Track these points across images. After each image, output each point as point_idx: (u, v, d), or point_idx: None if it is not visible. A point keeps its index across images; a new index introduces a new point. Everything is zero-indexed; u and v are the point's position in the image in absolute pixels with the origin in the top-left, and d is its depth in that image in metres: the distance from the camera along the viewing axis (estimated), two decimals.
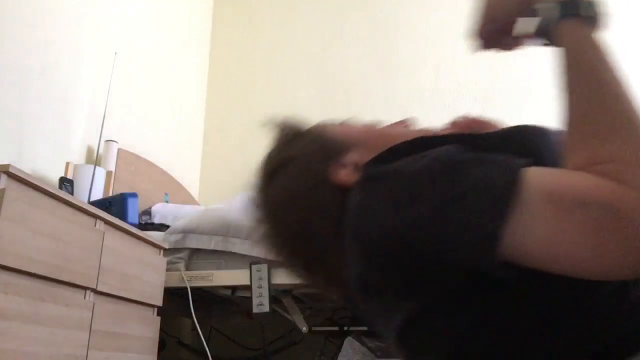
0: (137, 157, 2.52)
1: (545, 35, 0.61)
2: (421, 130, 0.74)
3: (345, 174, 0.65)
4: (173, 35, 3.16)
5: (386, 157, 0.60)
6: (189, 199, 2.97)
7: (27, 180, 1.22)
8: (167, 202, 2.59)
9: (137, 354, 1.63)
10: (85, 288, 1.40)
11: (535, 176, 0.50)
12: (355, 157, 0.66)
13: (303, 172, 0.68)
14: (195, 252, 2.04)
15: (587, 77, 0.54)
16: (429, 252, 0.52)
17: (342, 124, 0.75)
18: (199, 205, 2.88)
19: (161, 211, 2.30)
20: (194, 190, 3.23)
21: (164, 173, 2.76)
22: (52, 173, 1.99)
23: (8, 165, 1.16)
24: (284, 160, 0.71)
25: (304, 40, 3.53)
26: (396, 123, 0.77)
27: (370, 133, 0.72)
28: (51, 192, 1.30)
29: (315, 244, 0.66)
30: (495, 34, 0.69)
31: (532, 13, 0.61)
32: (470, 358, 0.56)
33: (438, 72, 3.25)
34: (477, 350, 0.55)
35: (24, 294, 1.18)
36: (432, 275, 0.54)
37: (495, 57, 3.18)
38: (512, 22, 0.67)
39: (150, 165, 2.64)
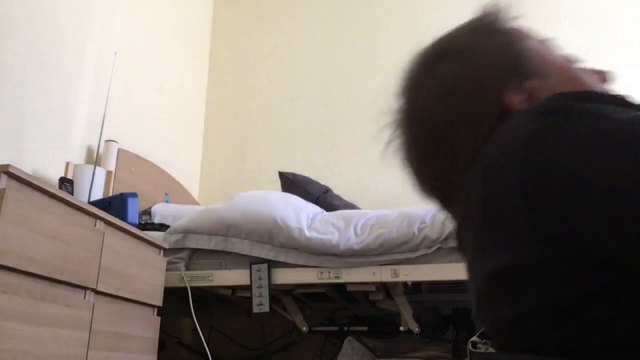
0: (137, 157, 2.52)
1: None
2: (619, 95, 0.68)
3: (519, 100, 0.58)
4: (173, 35, 3.16)
5: (578, 97, 0.52)
6: (189, 199, 2.97)
7: (27, 180, 1.22)
8: (167, 202, 2.59)
9: (137, 354, 1.63)
10: (85, 288, 1.40)
11: None
12: (536, 85, 0.59)
13: (476, 75, 0.61)
14: (195, 252, 2.04)
15: None
16: (603, 215, 0.44)
17: (543, 42, 0.66)
18: (199, 205, 2.88)
19: (161, 211, 2.30)
20: (194, 190, 3.23)
21: (164, 173, 2.76)
22: (52, 173, 1.99)
23: (8, 165, 1.16)
24: (464, 49, 0.63)
25: (304, 40, 3.53)
26: (593, 71, 0.67)
27: (564, 70, 0.64)
28: (51, 192, 1.31)
29: (447, 146, 0.60)
30: None
31: None
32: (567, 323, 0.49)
33: None
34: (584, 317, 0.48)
35: (24, 294, 1.18)
36: (584, 236, 0.46)
37: None
38: None
39: (150, 165, 2.64)
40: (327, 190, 2.52)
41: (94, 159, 2.11)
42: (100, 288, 1.44)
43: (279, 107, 3.41)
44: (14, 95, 1.86)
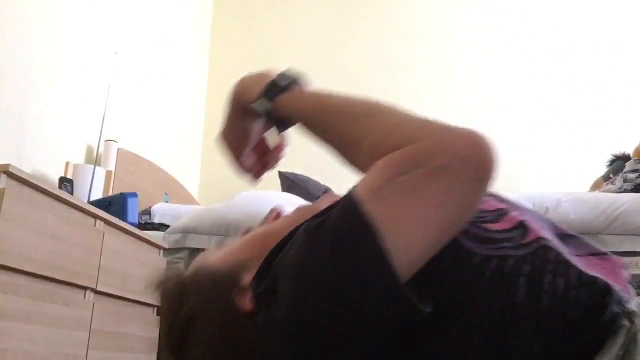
0: (137, 157, 2.52)
1: (283, 120, 0.66)
2: (290, 217, 0.71)
3: (249, 300, 0.60)
4: (173, 35, 3.16)
5: (265, 271, 0.58)
6: (189, 199, 2.97)
7: (27, 180, 1.22)
8: (167, 202, 2.59)
9: (137, 354, 1.63)
10: (85, 288, 1.40)
11: (361, 190, 0.51)
12: (249, 279, 0.61)
13: (213, 320, 0.62)
14: (195, 252, 2.04)
15: (322, 113, 0.60)
16: (349, 330, 0.50)
17: (220, 248, 0.70)
18: (199, 205, 2.88)
19: (161, 211, 2.30)
20: (194, 190, 3.23)
21: (164, 173, 2.76)
22: (52, 173, 1.99)
23: (8, 165, 1.16)
24: (188, 319, 0.63)
25: (304, 40, 3.53)
26: (267, 217, 0.75)
27: (251, 244, 0.68)
28: (51, 192, 1.30)
29: None
30: (255, 160, 0.73)
31: (257, 114, 0.66)
32: None
33: (438, 71, 3.24)
34: None
35: (24, 294, 1.18)
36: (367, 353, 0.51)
37: (495, 58, 3.15)
38: (262, 140, 0.72)
39: (150, 165, 2.64)
40: (327, 190, 2.52)
41: (94, 159, 2.11)
42: (100, 288, 1.44)
43: None
44: (14, 95, 1.86)
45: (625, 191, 1.99)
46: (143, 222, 2.20)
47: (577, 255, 0.59)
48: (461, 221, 0.51)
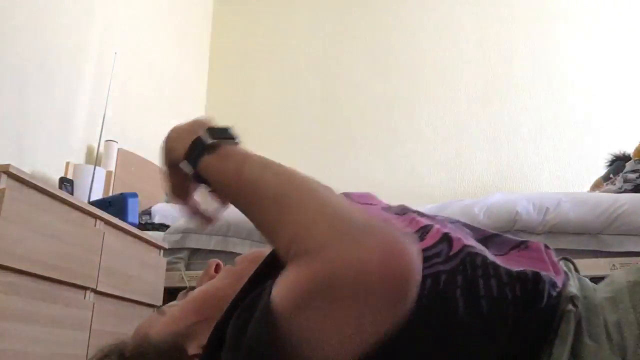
0: (137, 157, 2.52)
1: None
2: (230, 272, 0.69)
3: None
4: (173, 35, 3.16)
5: (212, 346, 0.57)
6: None
7: (27, 180, 1.22)
8: (167, 202, 2.59)
9: None
10: (85, 288, 1.40)
11: (279, 301, 0.47)
12: (195, 345, 0.61)
13: None
14: (195, 252, 2.04)
15: (236, 187, 0.56)
16: None
17: (161, 314, 0.68)
18: None
19: (161, 211, 2.30)
20: None
21: None
22: (52, 173, 1.99)
23: (8, 165, 1.16)
24: None
25: (304, 40, 3.53)
26: (207, 271, 0.73)
27: (192, 308, 0.66)
28: (51, 192, 1.30)
29: None
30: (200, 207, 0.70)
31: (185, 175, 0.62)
32: None
33: (438, 72, 3.24)
34: None
35: (24, 294, 1.18)
36: None
37: (496, 58, 3.15)
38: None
39: (150, 165, 2.64)
40: None
41: (94, 159, 2.11)
42: (100, 288, 1.44)
43: (279, 106, 3.41)
44: (14, 95, 1.86)
45: (625, 191, 1.99)
46: (143, 222, 2.20)
47: (498, 255, 0.60)
48: (383, 333, 0.47)
